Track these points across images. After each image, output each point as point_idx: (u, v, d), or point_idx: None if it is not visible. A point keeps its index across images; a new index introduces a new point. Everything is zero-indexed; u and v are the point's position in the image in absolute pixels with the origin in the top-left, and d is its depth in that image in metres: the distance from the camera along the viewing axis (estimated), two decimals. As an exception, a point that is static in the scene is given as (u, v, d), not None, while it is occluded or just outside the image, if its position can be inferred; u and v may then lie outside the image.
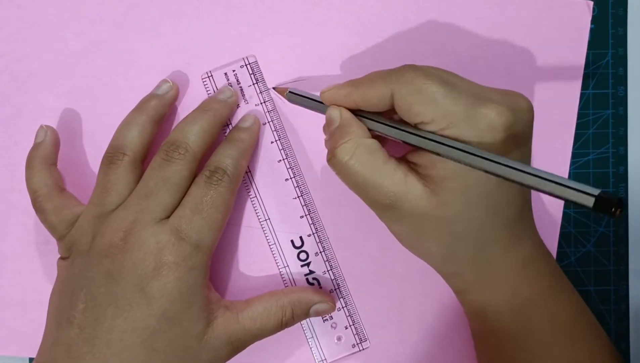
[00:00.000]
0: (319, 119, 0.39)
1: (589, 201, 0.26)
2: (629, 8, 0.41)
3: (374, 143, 0.33)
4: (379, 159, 0.32)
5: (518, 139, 0.31)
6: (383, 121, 0.33)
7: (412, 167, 0.33)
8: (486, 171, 0.29)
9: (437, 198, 0.31)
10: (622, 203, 0.25)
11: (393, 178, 0.32)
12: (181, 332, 0.33)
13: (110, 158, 0.35)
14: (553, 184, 0.27)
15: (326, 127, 0.35)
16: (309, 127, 0.39)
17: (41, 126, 0.38)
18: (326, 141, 0.35)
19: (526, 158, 0.33)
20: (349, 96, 0.33)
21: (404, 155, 0.34)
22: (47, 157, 0.37)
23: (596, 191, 0.26)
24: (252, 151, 0.38)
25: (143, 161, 0.36)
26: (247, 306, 0.35)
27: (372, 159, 0.32)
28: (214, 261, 0.37)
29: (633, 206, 0.41)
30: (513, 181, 0.28)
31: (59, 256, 0.36)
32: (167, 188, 0.34)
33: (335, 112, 0.34)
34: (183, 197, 0.35)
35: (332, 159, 0.33)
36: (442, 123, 0.30)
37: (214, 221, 0.34)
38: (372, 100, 0.33)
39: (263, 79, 0.39)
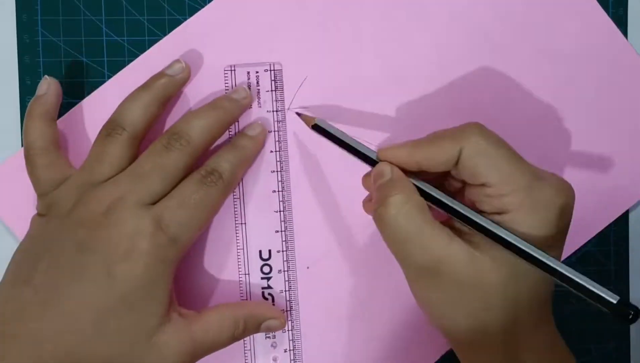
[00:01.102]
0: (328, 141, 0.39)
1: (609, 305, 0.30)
2: (629, 8, 0.41)
3: (422, 201, 0.32)
4: (427, 218, 0.32)
5: (566, 221, 0.32)
6: (439, 194, 0.33)
7: (455, 232, 0.32)
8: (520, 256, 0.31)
9: (479, 264, 0.31)
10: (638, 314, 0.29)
11: (438, 240, 0.31)
12: (135, 321, 0.32)
13: (110, 130, 0.35)
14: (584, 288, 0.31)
15: (373, 180, 0.34)
16: (312, 147, 0.39)
17: (45, 78, 0.37)
18: (365, 203, 0.37)
19: (562, 245, 0.33)
20: (411, 156, 0.33)
21: (447, 219, 0.33)
22: (47, 111, 0.36)
23: (615, 299, 0.30)
24: (253, 160, 0.38)
25: (141, 139, 0.36)
26: (200, 318, 0.35)
27: (420, 217, 0.31)
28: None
29: (634, 209, 0.41)
30: (549, 272, 0.31)
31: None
32: (161, 175, 0.34)
33: (386, 167, 0.33)
34: (173, 188, 0.34)
35: (380, 208, 0.32)
36: (504, 189, 0.31)
37: (197, 220, 0.34)
38: (438, 159, 0.32)
39: (282, 89, 0.39)
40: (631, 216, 0.41)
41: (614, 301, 0.29)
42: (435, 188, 0.33)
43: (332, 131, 0.35)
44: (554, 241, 0.32)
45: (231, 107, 0.37)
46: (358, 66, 0.40)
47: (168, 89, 0.37)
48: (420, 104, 0.40)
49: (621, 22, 0.41)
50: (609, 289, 0.40)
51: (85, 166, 0.35)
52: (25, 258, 0.34)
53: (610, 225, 0.41)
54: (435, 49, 0.40)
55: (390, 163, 0.34)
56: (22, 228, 0.38)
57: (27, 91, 0.40)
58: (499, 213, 0.32)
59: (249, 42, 0.39)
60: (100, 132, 0.35)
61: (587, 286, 0.30)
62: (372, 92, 0.40)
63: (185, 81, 0.38)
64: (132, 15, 0.40)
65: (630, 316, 0.29)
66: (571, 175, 0.40)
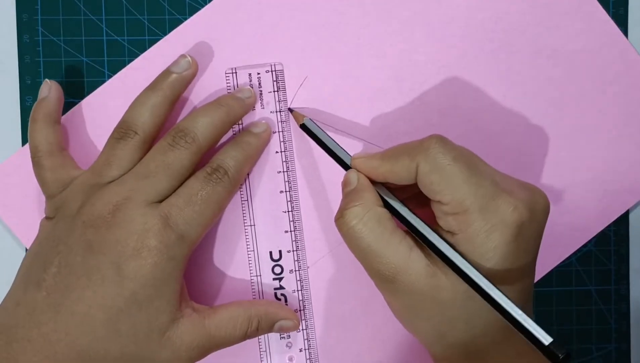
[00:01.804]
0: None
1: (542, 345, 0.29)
2: (629, 8, 0.41)
3: (384, 212, 0.33)
4: (386, 229, 0.32)
5: (527, 239, 0.32)
6: (400, 207, 0.33)
7: (417, 243, 0.33)
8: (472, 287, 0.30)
9: (435, 280, 0.31)
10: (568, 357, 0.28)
11: (397, 250, 0.32)
12: (146, 319, 0.32)
13: (122, 133, 0.35)
14: (524, 327, 0.30)
15: (341, 187, 0.35)
16: (317, 147, 0.39)
17: (45, 81, 0.37)
18: None
19: (531, 261, 0.33)
20: (377, 169, 0.34)
21: None
22: (50, 113, 0.37)
23: (547, 340, 0.29)
24: (258, 158, 0.38)
25: (152, 141, 0.36)
26: (214, 313, 0.35)
27: (379, 228, 0.32)
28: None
29: (633, 208, 0.41)
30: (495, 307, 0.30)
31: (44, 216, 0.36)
32: (166, 173, 0.34)
33: (353, 176, 0.34)
34: (179, 186, 0.34)
35: (339, 219, 0.33)
36: (458, 208, 0.31)
37: (204, 217, 0.34)
38: (399, 174, 0.33)
39: (285, 89, 0.39)
40: (631, 216, 0.41)
41: (546, 343, 0.29)
42: (406, 198, 0.34)
43: (315, 133, 0.36)
44: (515, 260, 0.31)
45: (236, 105, 0.37)
46: (358, 66, 0.40)
47: (176, 87, 0.36)
48: (421, 104, 0.40)
49: (622, 22, 0.41)
50: (609, 289, 0.40)
51: (94, 168, 0.35)
52: (35, 261, 0.34)
53: (610, 225, 0.41)
54: (436, 49, 0.40)
55: (362, 171, 0.34)
56: (21, 226, 0.39)
57: (27, 90, 0.40)
58: (452, 232, 0.32)
59: (250, 42, 0.39)
60: (111, 135, 0.36)
61: (522, 322, 0.29)
62: (372, 92, 0.40)
63: (192, 76, 0.37)
64: (132, 15, 0.40)
65: (560, 358, 0.28)
66: (571, 175, 0.40)
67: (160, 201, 0.34)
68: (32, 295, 0.32)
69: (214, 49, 0.39)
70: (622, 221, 0.41)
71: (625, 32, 0.41)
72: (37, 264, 0.33)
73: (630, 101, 0.40)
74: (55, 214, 0.35)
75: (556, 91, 0.40)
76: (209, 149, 0.36)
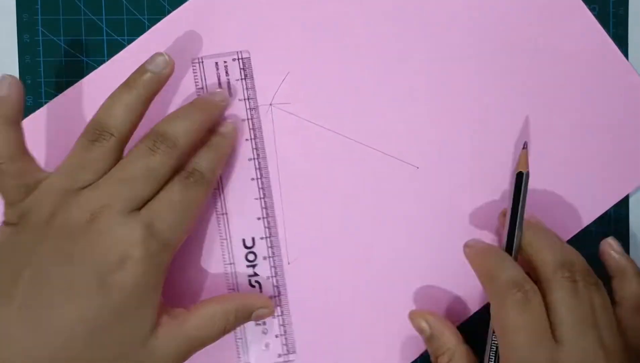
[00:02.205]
0: (300, 128, 0.39)
1: None
2: (629, 8, 0.40)
3: (467, 349, 0.34)
4: None
5: None
6: None
7: None
8: None
9: None
10: None
11: None
12: (129, 330, 0.31)
13: (96, 134, 0.33)
14: None
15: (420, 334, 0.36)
16: (288, 132, 0.39)
17: (4, 77, 0.34)
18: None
19: None
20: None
21: None
22: (10, 114, 0.33)
23: None
24: (228, 157, 0.38)
25: (127, 142, 0.34)
26: (190, 316, 0.34)
27: None
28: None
29: (634, 205, 0.41)
30: None
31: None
32: (146, 179, 0.33)
33: (423, 324, 0.35)
34: (157, 191, 0.33)
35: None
36: None
37: (186, 222, 0.33)
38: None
39: (252, 76, 0.39)
40: (631, 216, 0.41)
41: None
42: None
43: None
44: None
45: (212, 108, 0.37)
46: (358, 66, 0.40)
47: (152, 86, 0.35)
48: (420, 104, 0.40)
49: (622, 22, 0.40)
50: (610, 289, 0.39)
51: (65, 171, 0.33)
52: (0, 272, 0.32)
53: (610, 225, 0.40)
54: (436, 49, 0.40)
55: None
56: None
57: (27, 90, 0.40)
58: None
59: (225, 39, 0.39)
60: (83, 136, 0.33)
61: None
62: (371, 92, 0.40)
63: (169, 75, 0.35)
64: (132, 15, 0.40)
65: None
66: (570, 175, 0.40)
67: (140, 208, 0.33)
68: (3, 312, 0.30)
69: (196, 44, 0.39)
70: (622, 221, 0.41)
71: (625, 32, 0.40)
72: (2, 275, 0.31)
73: (630, 101, 0.40)
74: (19, 220, 0.32)
75: (556, 91, 0.40)
76: (187, 154, 0.35)
